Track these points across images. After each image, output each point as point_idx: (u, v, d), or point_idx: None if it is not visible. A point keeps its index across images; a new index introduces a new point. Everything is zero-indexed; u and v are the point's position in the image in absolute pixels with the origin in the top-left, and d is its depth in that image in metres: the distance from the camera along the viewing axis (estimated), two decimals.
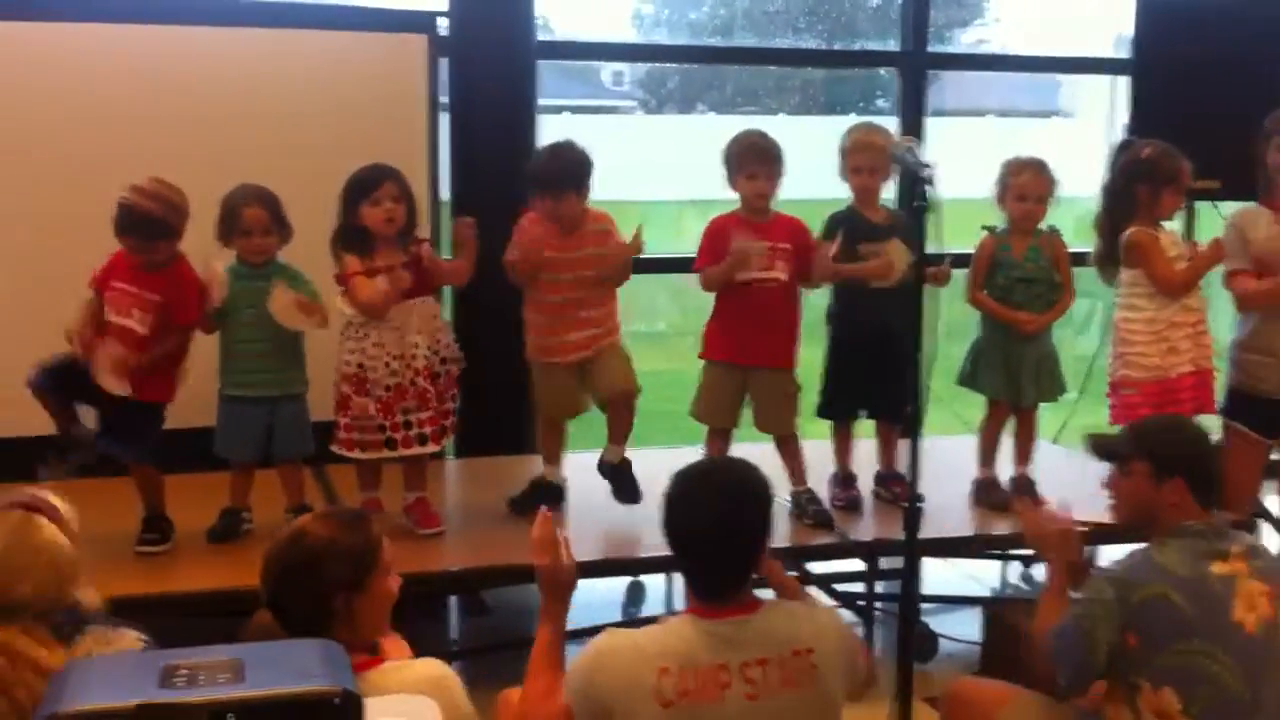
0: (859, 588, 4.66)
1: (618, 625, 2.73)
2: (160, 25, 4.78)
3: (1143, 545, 3.07)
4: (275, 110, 4.85)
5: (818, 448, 4.66)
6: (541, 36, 5.52)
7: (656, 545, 3.87)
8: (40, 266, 4.59)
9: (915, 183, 3.25)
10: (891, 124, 5.77)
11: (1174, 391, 4.36)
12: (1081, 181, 5.07)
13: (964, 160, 5.21)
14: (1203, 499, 3.04)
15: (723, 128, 4.52)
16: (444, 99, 5.19)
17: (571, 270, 4.23)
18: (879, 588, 4.66)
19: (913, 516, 3.27)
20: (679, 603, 4.80)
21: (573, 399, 4.39)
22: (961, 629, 4.71)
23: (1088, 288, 4.79)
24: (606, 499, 4.46)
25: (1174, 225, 4.72)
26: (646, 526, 4.18)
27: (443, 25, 5.18)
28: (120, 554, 3.93)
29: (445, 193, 5.20)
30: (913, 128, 5.83)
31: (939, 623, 4.72)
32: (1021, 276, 4.56)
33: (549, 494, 4.41)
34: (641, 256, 4.32)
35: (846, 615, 4.38)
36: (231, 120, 4.79)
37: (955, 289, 4.45)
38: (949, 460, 4.80)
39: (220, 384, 4.14)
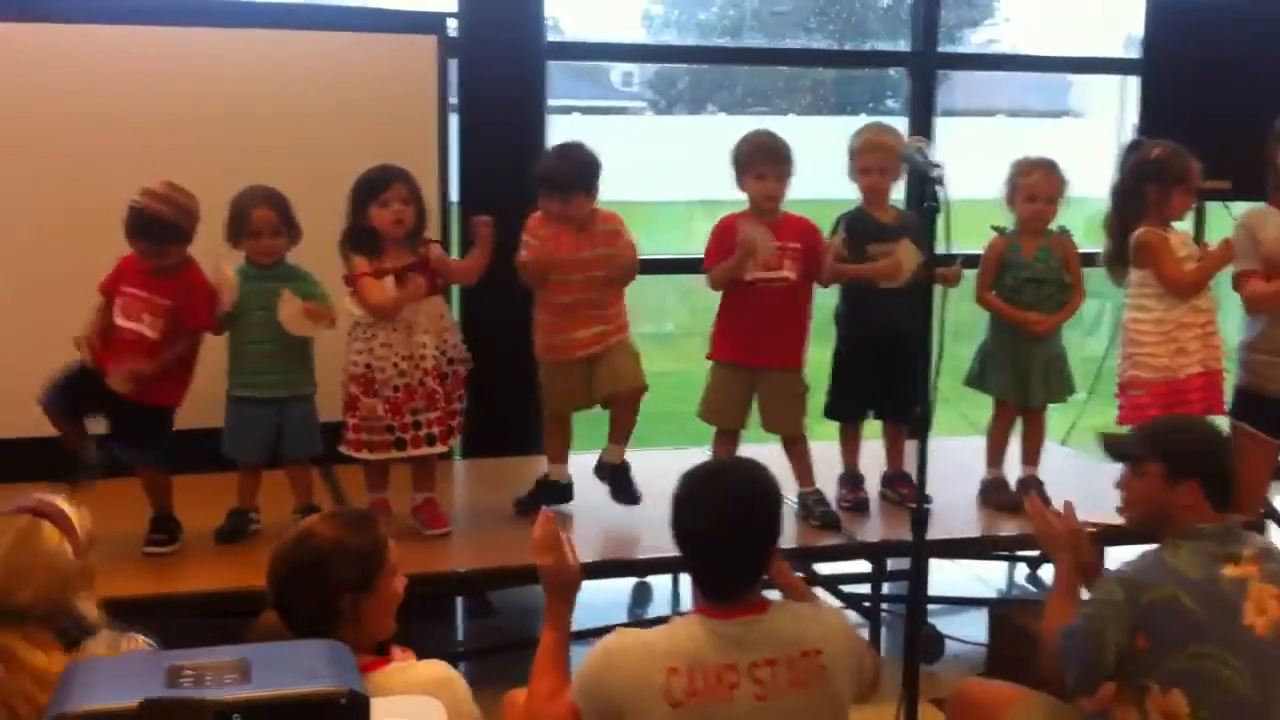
0: (866, 589, 4.65)
1: (625, 626, 2.73)
2: (170, 27, 4.79)
3: (1155, 547, 3.06)
4: (284, 111, 4.86)
5: (825, 448, 4.65)
6: (551, 37, 5.52)
7: (662, 546, 3.89)
8: (41, 267, 4.60)
9: (925, 183, 3.24)
10: (901, 124, 5.76)
11: (1183, 392, 4.35)
12: (1091, 182, 5.05)
13: (974, 160, 5.21)
14: (1216, 501, 3.03)
15: (732, 128, 4.52)
16: (453, 100, 5.19)
17: (581, 271, 4.23)
18: (886, 589, 4.65)
19: (920, 518, 3.26)
20: (685, 603, 4.84)
21: (579, 394, 4.38)
22: (968, 630, 4.70)
23: (1097, 288, 4.78)
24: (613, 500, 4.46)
25: (1184, 226, 4.70)
26: (652, 527, 4.17)
27: (452, 26, 5.18)
28: (128, 554, 3.94)
29: (455, 194, 5.20)
30: (922, 128, 5.82)
31: (945, 624, 4.71)
32: (1031, 277, 4.55)
33: (555, 494, 4.41)
34: (651, 257, 4.32)
35: (853, 616, 4.37)
36: (241, 121, 4.80)
37: (964, 289, 4.44)
38: (956, 461, 4.80)
39: (228, 385, 4.14)
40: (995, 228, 4.64)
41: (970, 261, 4.49)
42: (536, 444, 4.78)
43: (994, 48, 18.30)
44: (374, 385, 4.10)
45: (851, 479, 4.67)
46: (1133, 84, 5.95)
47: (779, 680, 2.59)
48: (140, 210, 3.87)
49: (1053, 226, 4.59)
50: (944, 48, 6.17)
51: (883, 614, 4.62)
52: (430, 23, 5.18)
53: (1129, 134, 5.84)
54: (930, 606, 4.68)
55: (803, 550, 4.28)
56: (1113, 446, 3.34)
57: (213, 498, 4.20)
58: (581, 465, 4.58)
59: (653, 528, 4.16)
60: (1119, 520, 3.31)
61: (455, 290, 4.75)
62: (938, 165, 3.23)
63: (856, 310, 4.54)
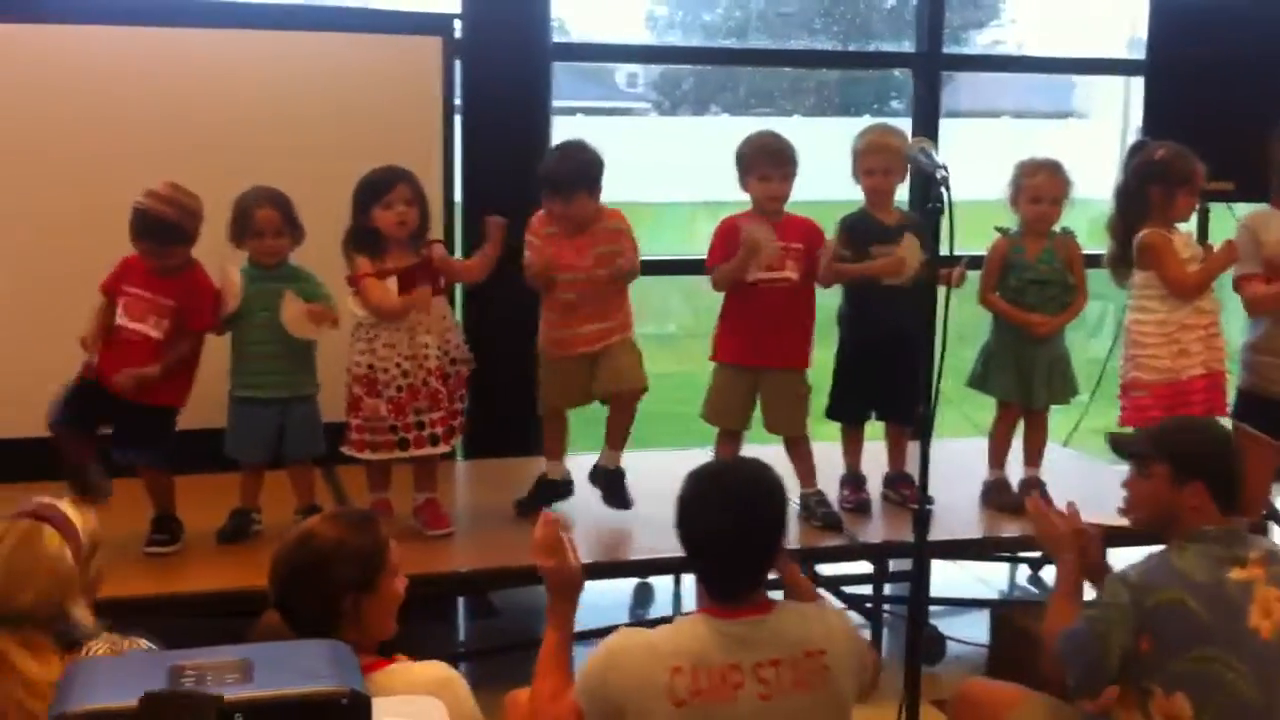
0: (867, 590, 4.65)
1: (628, 625, 2.74)
2: (175, 28, 4.80)
3: (1160, 548, 3.05)
4: (289, 112, 4.86)
5: (827, 449, 4.65)
6: (556, 38, 5.52)
7: (664, 547, 3.89)
8: (42, 267, 4.61)
9: (929, 184, 3.24)
10: (906, 125, 5.76)
11: (1185, 394, 4.34)
12: (1095, 183, 5.05)
13: (978, 162, 5.21)
14: (1223, 503, 3.02)
15: (737, 129, 4.52)
16: (458, 101, 5.19)
17: (583, 270, 4.24)
18: (887, 590, 4.65)
19: (922, 519, 3.26)
20: (687, 604, 4.83)
21: (578, 390, 4.38)
22: (969, 631, 4.70)
23: (1100, 290, 4.78)
24: None
25: (1188, 227, 4.70)
26: (654, 528, 4.17)
27: (457, 27, 5.18)
28: (130, 555, 3.94)
29: (459, 194, 5.20)
30: (927, 129, 5.81)
31: (947, 625, 4.71)
32: (1034, 278, 4.55)
33: (554, 491, 4.42)
34: (654, 258, 4.32)
35: (854, 618, 4.37)
36: (245, 122, 4.80)
37: (967, 290, 4.44)
38: (959, 462, 4.80)
39: (231, 385, 4.15)
40: (999, 229, 4.64)
41: (974, 263, 4.49)
42: (538, 445, 4.78)
43: (999, 49, 18.35)
44: (377, 386, 4.10)
45: (853, 480, 4.67)
46: (1137, 85, 5.94)
47: (783, 680, 2.59)
48: (144, 211, 3.88)
49: (1056, 228, 4.59)
50: (949, 49, 6.16)
51: (884, 615, 4.62)
52: (435, 24, 5.18)
53: (1133, 135, 5.85)
54: (932, 607, 4.68)
55: (804, 551, 4.27)
56: (1120, 446, 3.34)
57: (215, 498, 4.20)
58: (581, 466, 4.58)
59: (654, 528, 4.17)
60: (1122, 521, 3.31)
61: (458, 291, 4.75)
62: (942, 166, 3.23)
63: (859, 311, 4.53)
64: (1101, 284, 4.73)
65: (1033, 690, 3.22)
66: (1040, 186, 4.52)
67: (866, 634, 4.39)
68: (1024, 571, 5.42)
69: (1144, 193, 4.41)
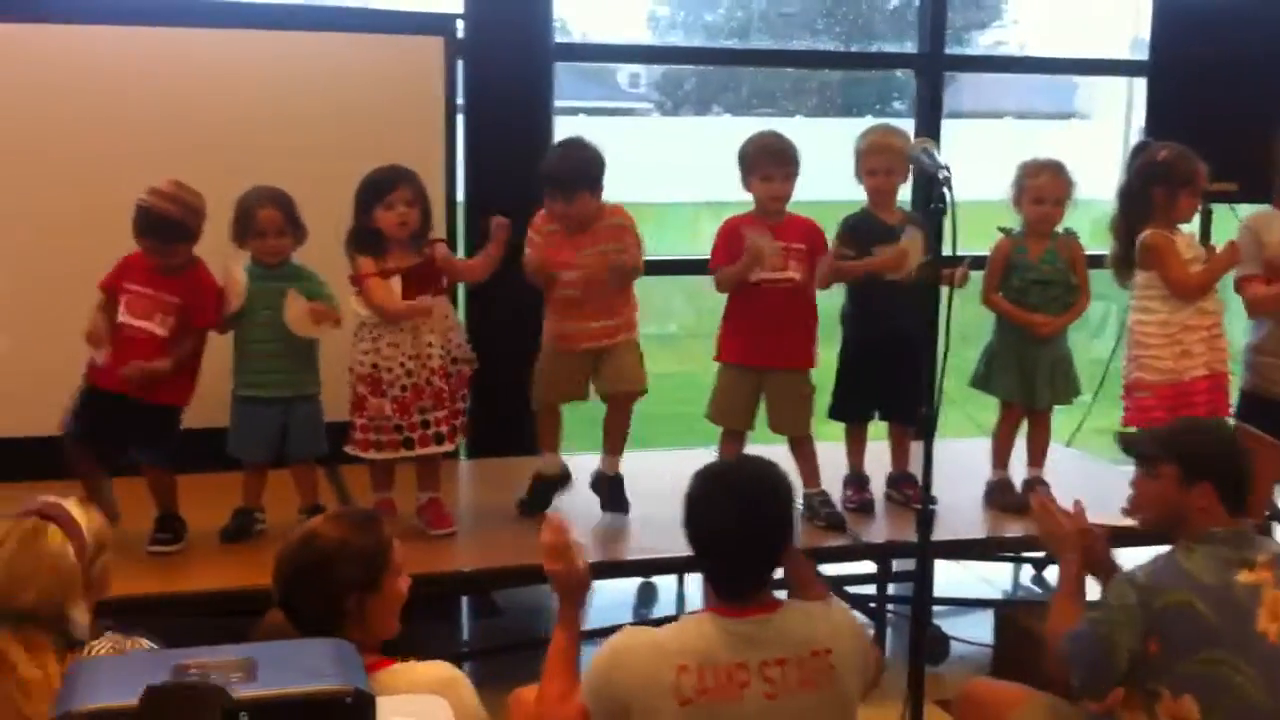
0: (871, 590, 4.65)
1: (631, 625, 2.74)
2: (178, 28, 4.80)
3: (1167, 550, 3.04)
4: (291, 112, 4.86)
5: (830, 449, 4.65)
6: (558, 38, 5.52)
7: (668, 547, 3.90)
8: (43, 267, 4.60)
9: (932, 184, 3.24)
10: (908, 126, 5.76)
11: (1188, 395, 4.34)
12: (1098, 184, 5.05)
13: (980, 162, 5.21)
14: (1231, 505, 3.01)
15: (739, 129, 4.51)
16: (460, 101, 5.19)
17: (582, 268, 4.24)
18: (891, 590, 4.66)
19: (925, 519, 3.26)
20: (690, 604, 4.84)
21: (574, 385, 4.38)
22: (973, 631, 4.70)
23: (1103, 290, 4.78)
24: None
25: (1190, 228, 4.69)
26: (657, 528, 4.18)
27: (459, 28, 5.18)
28: (133, 554, 3.93)
29: (461, 194, 5.20)
30: (929, 130, 5.81)
31: (951, 625, 4.71)
32: (1037, 279, 4.55)
33: (553, 486, 4.43)
34: (656, 258, 4.31)
35: (858, 617, 4.37)
36: (248, 122, 4.80)
37: (970, 291, 4.44)
38: (962, 462, 4.80)
39: (234, 384, 4.15)
40: (1002, 229, 4.64)
41: (977, 263, 4.49)
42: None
43: (1001, 50, 18.36)
44: (381, 385, 4.10)
45: (857, 480, 4.66)
46: (1139, 86, 5.95)
47: (789, 680, 2.59)
48: (148, 209, 3.88)
49: (1059, 228, 4.59)
50: (951, 50, 6.17)
51: (888, 615, 4.62)
52: (438, 24, 5.18)
53: (1135, 136, 5.84)
54: (935, 608, 4.69)
55: (808, 551, 4.25)
56: (1129, 446, 3.33)
57: (218, 497, 4.20)
58: (581, 466, 4.59)
59: (657, 528, 4.17)
60: (1126, 521, 3.31)
61: (460, 291, 4.75)
62: (944, 167, 3.23)
63: (862, 311, 4.53)
64: (1104, 284, 4.72)
65: (1037, 690, 3.22)
66: (1043, 187, 4.52)
67: (870, 633, 4.39)
68: (1028, 571, 5.42)
69: (1147, 193, 4.40)
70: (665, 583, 5.15)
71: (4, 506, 2.69)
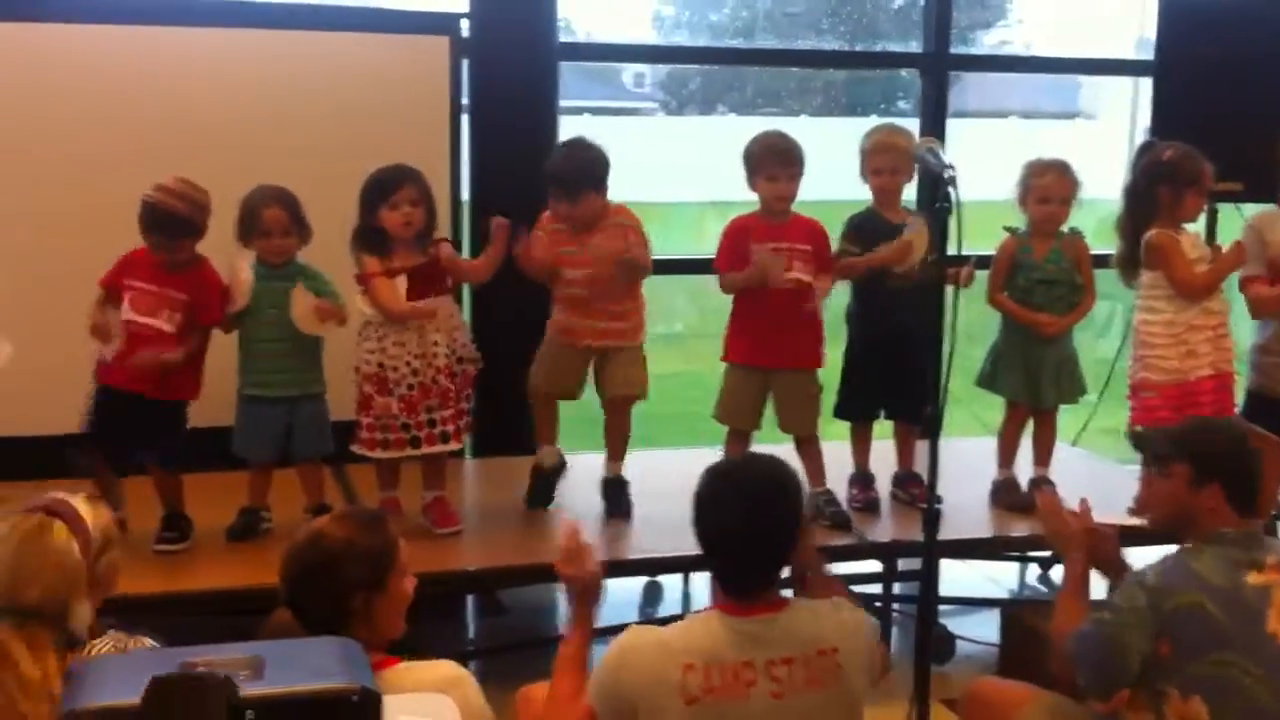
0: (877, 589, 4.65)
1: (638, 624, 2.74)
2: (182, 27, 4.80)
3: (1176, 550, 3.03)
4: (297, 111, 4.86)
5: (836, 448, 4.65)
6: (563, 38, 5.52)
7: (673, 546, 3.90)
8: (44, 267, 4.59)
9: (937, 184, 3.23)
10: (913, 126, 5.75)
11: (1194, 395, 4.33)
12: (1103, 183, 5.05)
13: (985, 162, 5.21)
14: (1240, 506, 3.00)
15: (744, 129, 4.51)
16: (465, 100, 5.20)
17: (584, 267, 4.24)
18: (897, 589, 4.65)
19: (931, 518, 3.26)
20: (696, 603, 4.84)
21: (572, 379, 4.39)
22: (979, 631, 4.70)
23: (1108, 290, 4.77)
24: None
25: (1196, 227, 4.69)
26: (663, 527, 4.18)
27: (464, 27, 5.18)
28: (139, 552, 3.94)
29: (466, 193, 5.21)
30: (934, 129, 5.80)
31: (957, 624, 4.71)
32: (1042, 278, 4.54)
33: (552, 476, 4.44)
34: (661, 258, 4.32)
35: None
36: (253, 121, 4.80)
37: (975, 290, 4.43)
38: (967, 462, 4.79)
39: (239, 384, 4.15)
40: (1007, 228, 4.64)
41: (981, 262, 4.48)
42: None
43: (1006, 49, 18.35)
44: (388, 384, 4.11)
45: (862, 479, 4.66)
46: (1145, 85, 5.94)
47: (795, 679, 2.59)
48: (155, 205, 3.89)
49: (1064, 228, 4.58)
50: (956, 49, 6.15)
51: (894, 614, 4.62)
52: (443, 23, 5.18)
53: (1140, 135, 5.83)
54: (941, 607, 4.68)
55: None
56: (1141, 444, 3.32)
57: (224, 496, 4.20)
58: (585, 466, 4.59)
59: (663, 528, 4.17)
60: (1133, 521, 3.30)
61: (466, 291, 4.76)
62: (950, 166, 3.22)
63: (868, 310, 4.53)
64: (1110, 284, 4.72)
65: (1043, 690, 3.22)
66: (1049, 187, 4.51)
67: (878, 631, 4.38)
68: (1034, 571, 5.42)
69: (1152, 193, 4.40)
70: (671, 582, 5.15)
71: (5, 506, 2.69)
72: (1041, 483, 4.60)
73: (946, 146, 4.41)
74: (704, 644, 2.58)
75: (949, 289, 3.46)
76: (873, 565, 4.68)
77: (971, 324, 3.58)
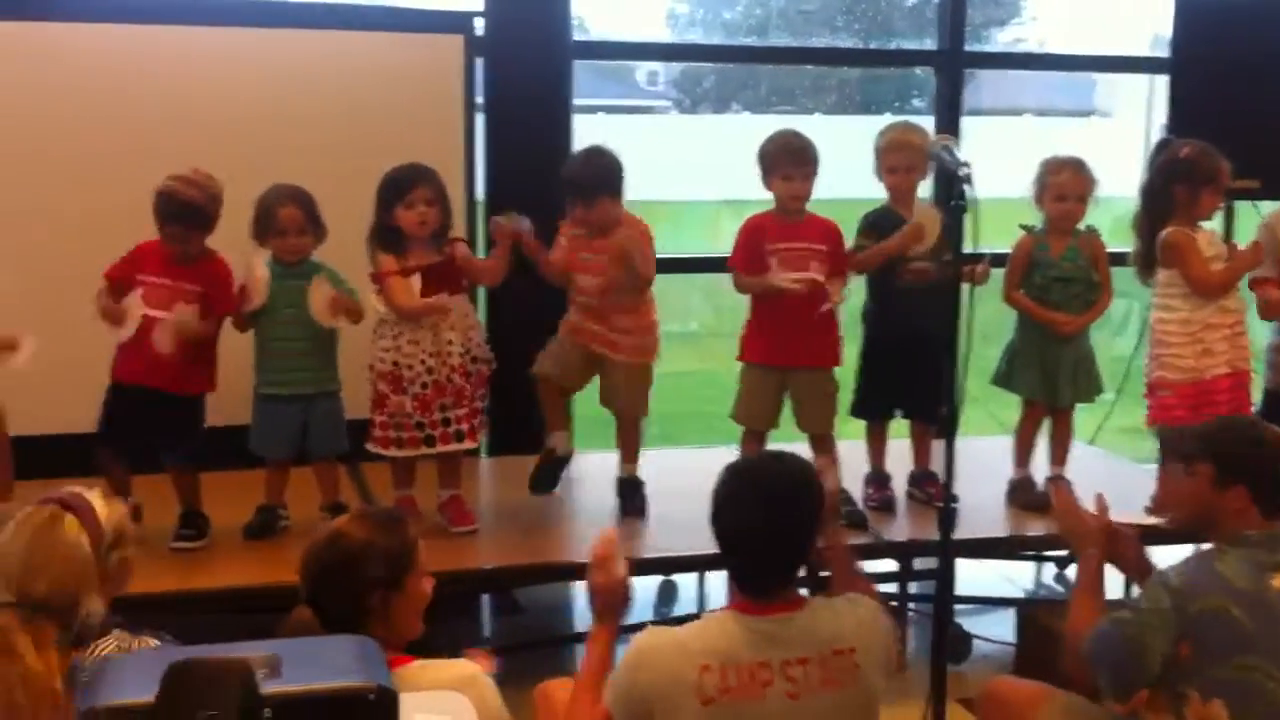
0: (892, 588, 4.64)
1: (653, 624, 2.73)
2: (196, 26, 4.81)
3: (1200, 551, 3.01)
4: (311, 110, 4.88)
5: (852, 447, 4.64)
6: (577, 36, 5.53)
7: (689, 545, 3.90)
8: (51, 266, 4.59)
9: (952, 182, 3.22)
10: (928, 123, 5.74)
11: (1210, 393, 4.31)
12: (1119, 181, 5.03)
13: (1000, 159, 5.19)
14: (1265, 507, 2.96)
15: (758, 127, 4.51)
16: (480, 99, 5.20)
17: (596, 274, 4.25)
18: (913, 588, 4.65)
19: (947, 517, 3.25)
20: (711, 602, 4.84)
21: (575, 371, 4.40)
22: (996, 630, 4.69)
23: (1124, 288, 4.76)
24: None
25: (1213, 225, 4.67)
26: (678, 526, 4.18)
27: (479, 26, 5.19)
28: (157, 550, 3.95)
29: (481, 192, 5.21)
30: (949, 127, 5.80)
31: (973, 624, 4.70)
32: (1059, 276, 4.53)
33: (559, 464, 4.46)
34: (676, 256, 4.32)
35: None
36: (267, 120, 4.82)
37: (991, 288, 4.43)
38: (984, 461, 4.79)
39: (255, 382, 4.17)
40: (1023, 226, 4.63)
41: (997, 260, 4.48)
42: None
43: (1021, 47, 18.31)
44: (402, 382, 4.12)
45: (878, 478, 4.66)
46: (1161, 83, 5.92)
47: (811, 679, 2.58)
48: (173, 194, 3.90)
49: (1081, 226, 4.57)
50: (971, 47, 6.14)
51: (910, 614, 4.61)
52: (457, 22, 5.19)
53: (1156, 133, 5.82)
54: (957, 606, 4.68)
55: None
56: (1167, 441, 3.30)
57: (241, 494, 4.22)
58: (595, 465, 4.57)
59: (678, 527, 4.18)
60: (1151, 520, 3.29)
61: (481, 291, 4.76)
62: (965, 164, 3.21)
63: (884, 309, 4.52)
64: (1126, 282, 4.71)
65: (1059, 689, 3.20)
66: (1065, 184, 4.50)
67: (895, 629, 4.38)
68: (1050, 570, 5.40)
69: (1169, 191, 4.39)
70: (686, 581, 5.15)
71: (16, 506, 2.69)
72: (1058, 481, 4.59)
73: (961, 144, 4.41)
74: (719, 644, 2.58)
75: (965, 287, 3.45)
76: (889, 564, 4.67)
77: (987, 322, 3.57)
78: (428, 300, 4.09)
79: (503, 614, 4.97)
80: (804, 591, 2.77)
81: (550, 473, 4.46)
